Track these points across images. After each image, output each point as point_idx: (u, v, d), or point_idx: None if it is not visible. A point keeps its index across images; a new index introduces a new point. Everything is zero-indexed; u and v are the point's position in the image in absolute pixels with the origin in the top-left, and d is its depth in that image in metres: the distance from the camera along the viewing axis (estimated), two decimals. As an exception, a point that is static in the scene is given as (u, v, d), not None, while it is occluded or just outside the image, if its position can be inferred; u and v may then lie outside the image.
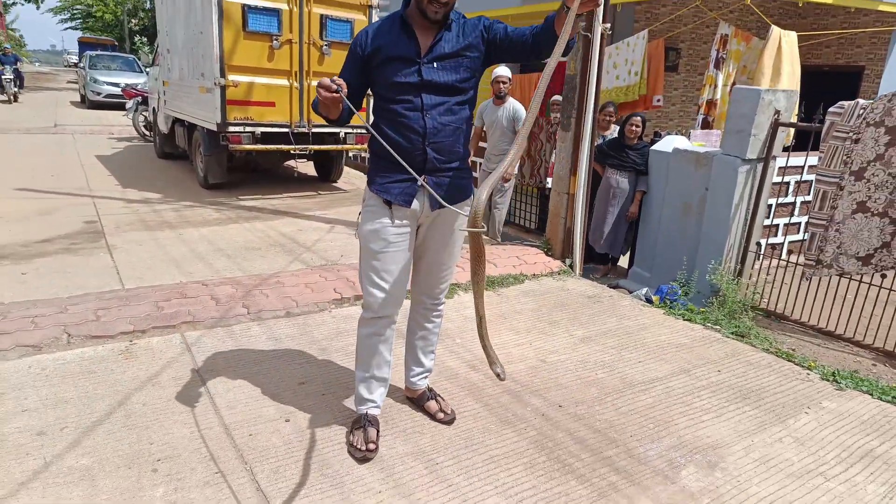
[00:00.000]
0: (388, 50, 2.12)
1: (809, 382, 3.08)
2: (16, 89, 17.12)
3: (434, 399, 2.60)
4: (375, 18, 6.91)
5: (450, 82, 2.14)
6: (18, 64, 18.00)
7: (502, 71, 5.31)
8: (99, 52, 20.43)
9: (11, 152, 8.90)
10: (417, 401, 2.62)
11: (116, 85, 16.98)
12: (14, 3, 26.42)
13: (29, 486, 2.03)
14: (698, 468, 2.33)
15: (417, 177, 2.12)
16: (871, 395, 2.96)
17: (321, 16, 6.47)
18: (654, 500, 2.13)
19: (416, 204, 2.21)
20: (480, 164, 5.93)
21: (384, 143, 2.09)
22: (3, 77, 16.82)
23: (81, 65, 19.28)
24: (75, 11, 35.29)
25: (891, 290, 3.83)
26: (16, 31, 52.45)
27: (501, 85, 5.32)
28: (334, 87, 1.96)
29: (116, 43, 28.57)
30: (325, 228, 5.62)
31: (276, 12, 6.23)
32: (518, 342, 3.36)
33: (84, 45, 25.77)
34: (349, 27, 6.66)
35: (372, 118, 2.36)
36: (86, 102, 17.74)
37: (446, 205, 2.05)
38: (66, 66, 46.85)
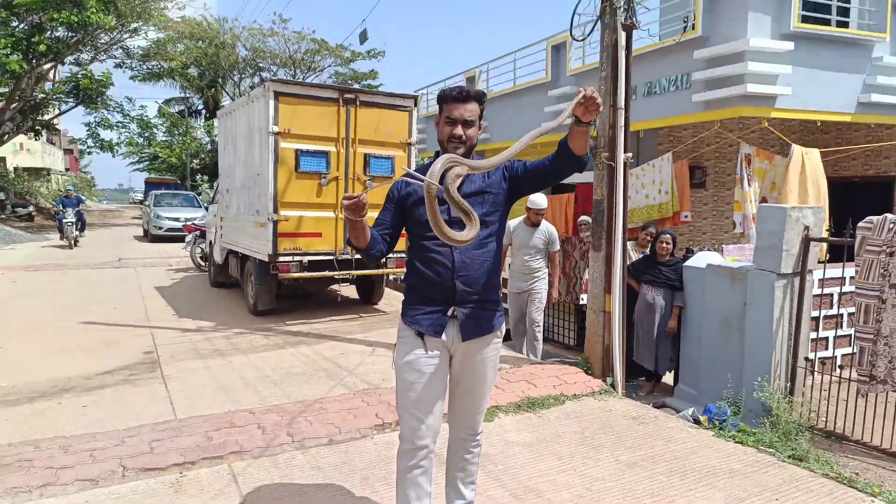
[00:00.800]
0: (419, 191, 2.34)
1: (877, 511, 2.90)
2: (76, 233, 16.12)
3: None
4: (414, 154, 7.51)
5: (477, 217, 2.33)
6: (82, 206, 16.96)
7: (538, 199, 5.60)
8: (164, 191, 22.26)
9: (79, 286, 9.58)
10: None
11: (176, 219, 18.32)
12: (90, 152, 29.58)
13: None
14: None
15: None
16: (948, 525, 2.75)
17: (365, 154, 7.08)
18: None
19: (446, 335, 2.31)
20: (505, 279, 6.10)
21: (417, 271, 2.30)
22: (63, 221, 16.04)
23: (147, 203, 20.83)
24: (143, 155, 39.08)
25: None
26: (88, 174, 58.00)
27: (537, 215, 5.63)
28: (360, 202, 2.09)
29: (179, 182, 31.18)
30: (366, 351, 5.76)
31: (325, 154, 6.87)
32: (562, 468, 3.30)
33: (150, 184, 28.19)
34: (390, 163, 7.23)
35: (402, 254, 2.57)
36: (148, 236, 19.10)
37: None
38: (131, 203, 50.88)
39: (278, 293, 7.56)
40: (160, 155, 35.24)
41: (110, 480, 3.07)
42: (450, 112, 2.31)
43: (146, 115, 30.26)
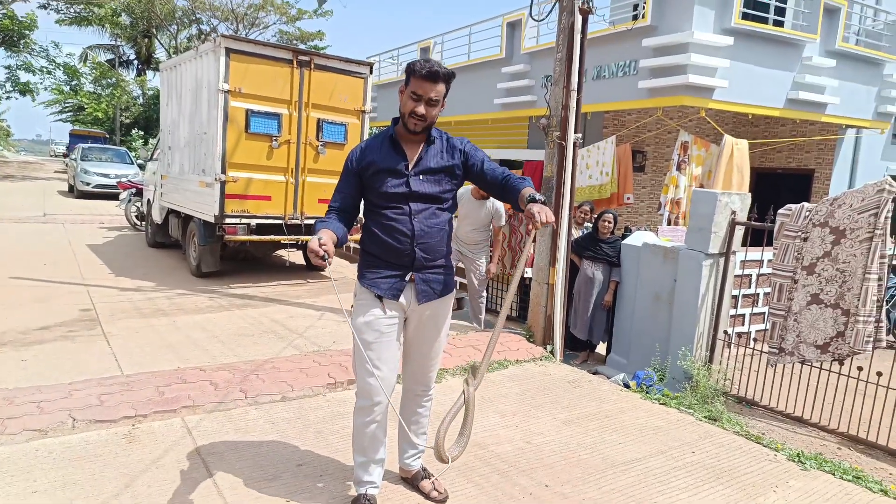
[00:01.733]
0: (379, 163, 2.42)
1: (777, 463, 3.29)
2: None
3: (428, 478, 2.73)
4: (367, 123, 7.50)
5: (434, 193, 2.44)
6: None
7: None
8: (91, 145, 21.03)
9: (3, 240, 9.06)
10: (412, 480, 2.75)
11: (106, 175, 17.43)
12: (9, 97, 27.47)
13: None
14: (677, 543, 2.49)
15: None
16: (834, 474, 3.18)
17: (318, 119, 7.02)
18: (637, 573, 2.27)
19: (403, 298, 2.44)
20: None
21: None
22: None
23: (73, 156, 19.62)
24: (66, 105, 36.52)
25: (849, 377, 4.13)
26: (4, 122, 53.76)
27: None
28: (321, 253, 2.14)
29: (108, 136, 29.45)
30: (315, 315, 5.83)
31: (276, 116, 6.76)
32: (505, 424, 3.54)
33: (76, 137, 26.52)
34: (343, 130, 7.21)
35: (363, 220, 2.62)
36: (74, 192, 18.08)
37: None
38: (52, 156, 47.63)
39: (222, 255, 7.45)
40: (86, 106, 33.06)
41: (60, 431, 3.06)
42: (417, 88, 2.31)
43: (73, 63, 28.23)
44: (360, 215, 2.56)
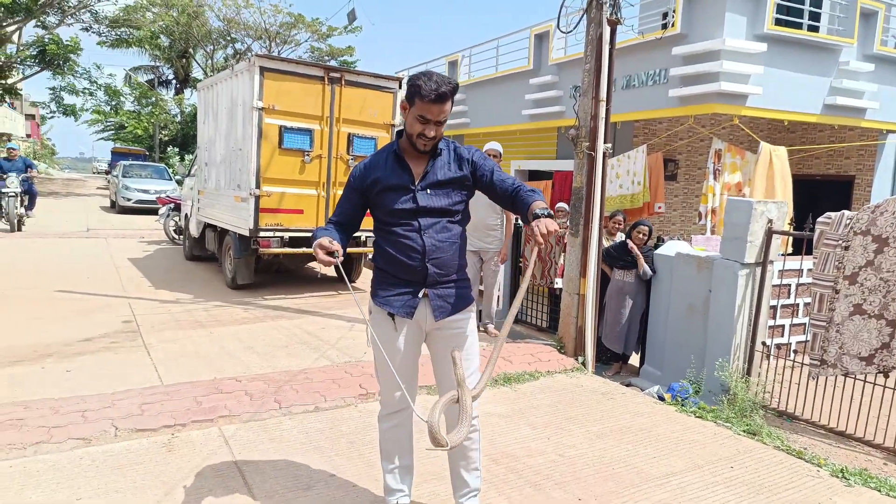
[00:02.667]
0: (384, 180, 2.33)
1: (820, 479, 3.19)
2: (22, 211, 11.53)
3: None
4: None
5: (443, 206, 2.34)
6: (31, 172, 12.04)
7: (493, 146, 5.71)
8: (132, 162, 21.76)
9: (49, 255, 9.42)
10: None
11: (146, 191, 17.99)
12: (52, 116, 28.58)
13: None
14: (715, 560, 2.43)
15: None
16: (880, 491, 3.06)
17: (349, 134, 7.15)
18: (674, 590, 2.23)
19: (418, 315, 2.36)
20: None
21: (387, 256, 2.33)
22: (3, 192, 11.19)
23: (115, 173, 20.30)
24: (108, 124, 37.89)
25: (895, 389, 3.98)
26: (49, 141, 56.01)
27: (494, 159, 5.60)
28: (333, 249, 2.18)
29: (147, 153, 30.44)
30: (346, 327, 5.90)
31: (309, 132, 6.91)
32: (536, 437, 3.52)
33: (117, 154, 27.47)
34: (373, 143, 7.31)
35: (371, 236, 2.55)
36: (115, 208, 18.70)
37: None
38: (94, 173, 49.33)
39: (256, 268, 7.61)
40: (126, 125, 34.25)
41: (103, 440, 3.16)
42: (424, 112, 2.20)
43: (114, 84, 29.29)
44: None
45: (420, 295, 2.34)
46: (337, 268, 2.31)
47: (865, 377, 4.14)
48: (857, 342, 4.19)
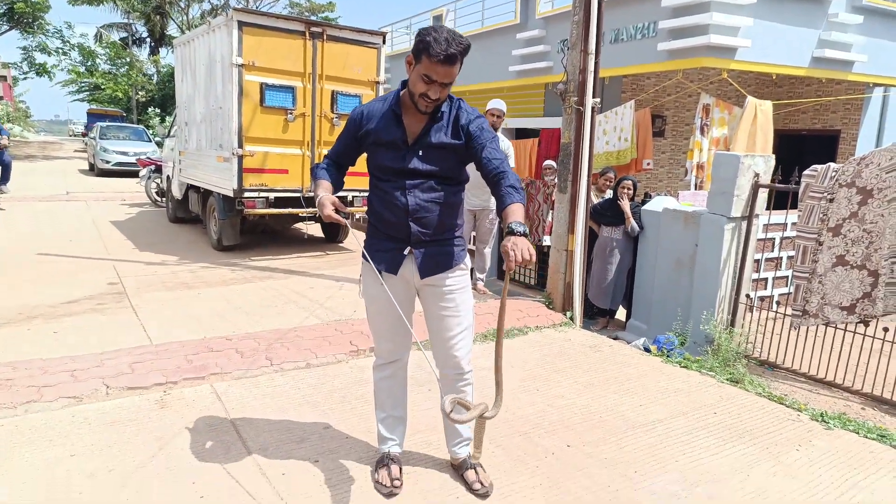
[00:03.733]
0: (378, 134, 2.28)
1: (800, 423, 3.29)
2: None
3: (473, 469, 2.57)
4: (382, 94, 7.44)
5: (432, 170, 2.27)
6: (3, 140, 10.78)
7: (497, 104, 5.59)
8: (109, 123, 21.20)
9: (29, 218, 9.25)
10: (457, 469, 2.62)
11: (125, 154, 17.60)
12: (26, 78, 27.64)
13: (86, 521, 2.20)
14: (698, 500, 2.52)
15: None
16: (858, 433, 3.17)
17: (332, 92, 6.99)
18: (660, 528, 2.31)
19: (405, 271, 2.35)
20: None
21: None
22: None
23: (92, 135, 19.80)
24: (83, 84, 36.72)
25: (874, 337, 4.08)
26: (23, 103, 54.25)
27: (496, 119, 5.54)
28: (342, 210, 2.25)
29: (125, 114, 29.64)
30: (335, 286, 5.89)
31: (291, 89, 6.74)
32: (526, 388, 3.58)
33: (93, 116, 26.71)
34: (358, 101, 7.16)
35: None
36: (94, 170, 18.31)
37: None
38: (70, 136, 48.04)
39: (241, 229, 7.53)
40: (103, 87, 33.20)
41: (94, 398, 3.16)
42: (430, 72, 2.10)
43: (87, 43, 28.26)
44: None
45: (405, 252, 2.33)
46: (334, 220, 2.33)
47: (846, 326, 4.24)
48: (839, 292, 4.27)
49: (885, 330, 3.95)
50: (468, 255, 2.52)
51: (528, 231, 2.02)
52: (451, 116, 2.29)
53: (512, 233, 1.96)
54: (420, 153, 2.27)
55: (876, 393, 4.02)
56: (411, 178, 2.27)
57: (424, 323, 2.51)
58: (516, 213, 2.06)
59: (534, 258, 1.92)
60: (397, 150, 2.27)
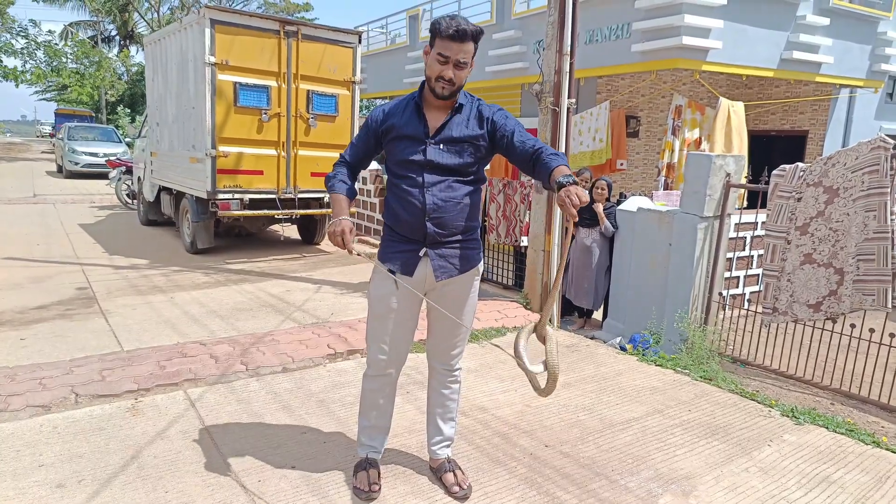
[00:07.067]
0: (400, 129, 2.28)
1: (771, 419, 3.36)
2: None
3: (452, 472, 2.54)
4: (358, 94, 7.40)
5: (453, 165, 2.25)
6: None
7: None
8: (77, 124, 20.70)
9: (-6, 222, 8.99)
10: (436, 471, 2.60)
11: (95, 155, 17.21)
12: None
13: (54, 534, 2.14)
14: (674, 496, 2.56)
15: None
16: (827, 428, 3.25)
17: (308, 91, 6.92)
18: (637, 526, 2.34)
19: (419, 273, 2.32)
20: None
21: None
22: None
23: (60, 136, 19.30)
24: (49, 84, 35.76)
25: (842, 334, 4.18)
26: (-12, 104, 52.54)
27: None
28: (349, 240, 2.22)
29: (93, 114, 28.96)
30: (312, 289, 5.84)
31: (265, 89, 6.66)
32: (504, 389, 3.59)
33: (61, 116, 26.07)
34: (334, 101, 7.12)
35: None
36: (63, 172, 17.87)
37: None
38: (38, 137, 46.81)
39: (216, 232, 7.43)
40: (70, 86, 32.37)
41: (63, 406, 3.08)
42: (443, 50, 2.14)
43: (55, 42, 27.46)
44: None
45: (421, 254, 2.30)
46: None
47: (814, 323, 4.34)
48: (807, 290, 4.37)
49: (853, 326, 4.05)
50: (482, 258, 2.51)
51: (576, 180, 2.04)
52: (473, 111, 2.31)
53: (561, 186, 1.99)
54: (441, 146, 2.26)
55: (844, 388, 4.13)
56: (430, 174, 2.25)
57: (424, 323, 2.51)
58: (562, 170, 2.07)
59: (586, 199, 1.95)
60: (419, 142, 2.26)
